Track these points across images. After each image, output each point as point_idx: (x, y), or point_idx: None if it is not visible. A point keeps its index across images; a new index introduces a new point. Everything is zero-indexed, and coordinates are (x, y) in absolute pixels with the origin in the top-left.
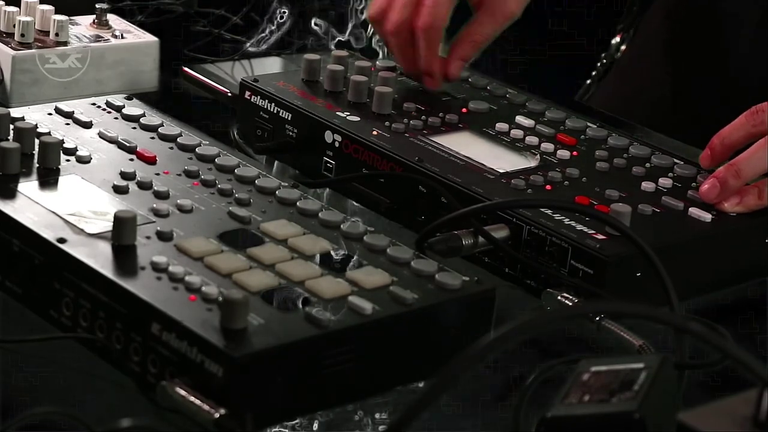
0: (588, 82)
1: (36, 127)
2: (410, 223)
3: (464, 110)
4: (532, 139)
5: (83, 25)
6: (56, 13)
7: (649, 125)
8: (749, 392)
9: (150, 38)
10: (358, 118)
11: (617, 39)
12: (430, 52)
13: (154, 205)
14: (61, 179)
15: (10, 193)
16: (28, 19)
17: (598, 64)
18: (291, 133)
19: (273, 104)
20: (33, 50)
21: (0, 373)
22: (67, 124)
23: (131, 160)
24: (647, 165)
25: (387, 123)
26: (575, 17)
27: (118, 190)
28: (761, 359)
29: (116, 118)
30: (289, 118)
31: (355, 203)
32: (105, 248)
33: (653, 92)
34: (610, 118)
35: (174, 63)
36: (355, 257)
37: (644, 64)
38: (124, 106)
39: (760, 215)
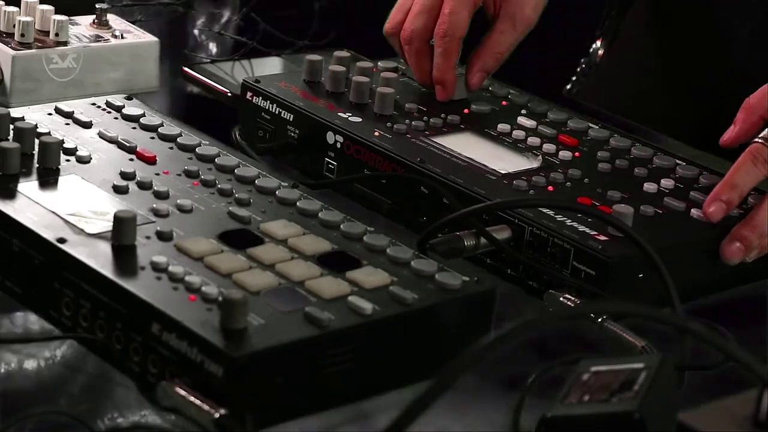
0: (569, 86)
1: (36, 127)
2: (412, 225)
3: (466, 111)
4: (534, 140)
5: (83, 25)
6: (56, 13)
7: (629, 118)
8: (749, 392)
9: (150, 38)
10: (360, 119)
11: (597, 44)
12: (445, 62)
13: (154, 205)
14: (61, 179)
15: (10, 193)
16: (28, 19)
17: (578, 69)
18: (292, 134)
19: (275, 105)
20: (33, 50)
21: (0, 373)
22: (67, 124)
23: (131, 160)
24: (649, 166)
25: (389, 124)
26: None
27: (118, 190)
28: (762, 360)
29: (116, 118)
30: (291, 119)
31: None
32: (105, 248)
33: (637, 91)
34: (599, 114)
35: (174, 63)
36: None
37: (626, 65)
38: (124, 106)
39: None
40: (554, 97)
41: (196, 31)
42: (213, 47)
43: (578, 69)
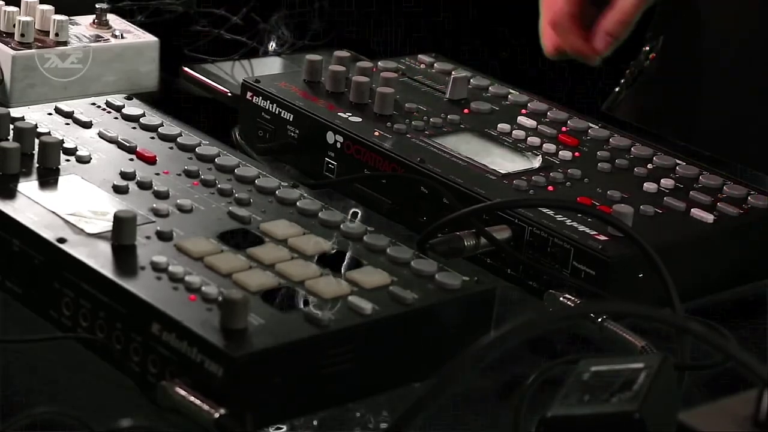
0: (616, 90)
1: (36, 127)
2: (412, 225)
3: (466, 111)
4: (534, 140)
5: (83, 25)
6: (56, 13)
7: (677, 136)
8: (749, 392)
9: (150, 38)
10: (360, 119)
11: (646, 48)
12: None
13: (154, 205)
14: (61, 179)
15: (10, 193)
16: (28, 19)
17: (626, 73)
18: (292, 134)
19: (275, 105)
20: (33, 50)
21: (0, 373)
22: (67, 124)
23: (131, 160)
24: (649, 166)
25: (389, 124)
26: None
27: (118, 190)
28: (762, 360)
29: (116, 118)
30: (291, 119)
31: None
32: (105, 248)
33: (682, 102)
34: (638, 129)
35: (174, 63)
36: (351, 254)
37: (673, 74)
38: (124, 106)
39: (761, 216)
40: (591, 111)
41: (196, 31)
42: (213, 47)
43: (622, 80)
